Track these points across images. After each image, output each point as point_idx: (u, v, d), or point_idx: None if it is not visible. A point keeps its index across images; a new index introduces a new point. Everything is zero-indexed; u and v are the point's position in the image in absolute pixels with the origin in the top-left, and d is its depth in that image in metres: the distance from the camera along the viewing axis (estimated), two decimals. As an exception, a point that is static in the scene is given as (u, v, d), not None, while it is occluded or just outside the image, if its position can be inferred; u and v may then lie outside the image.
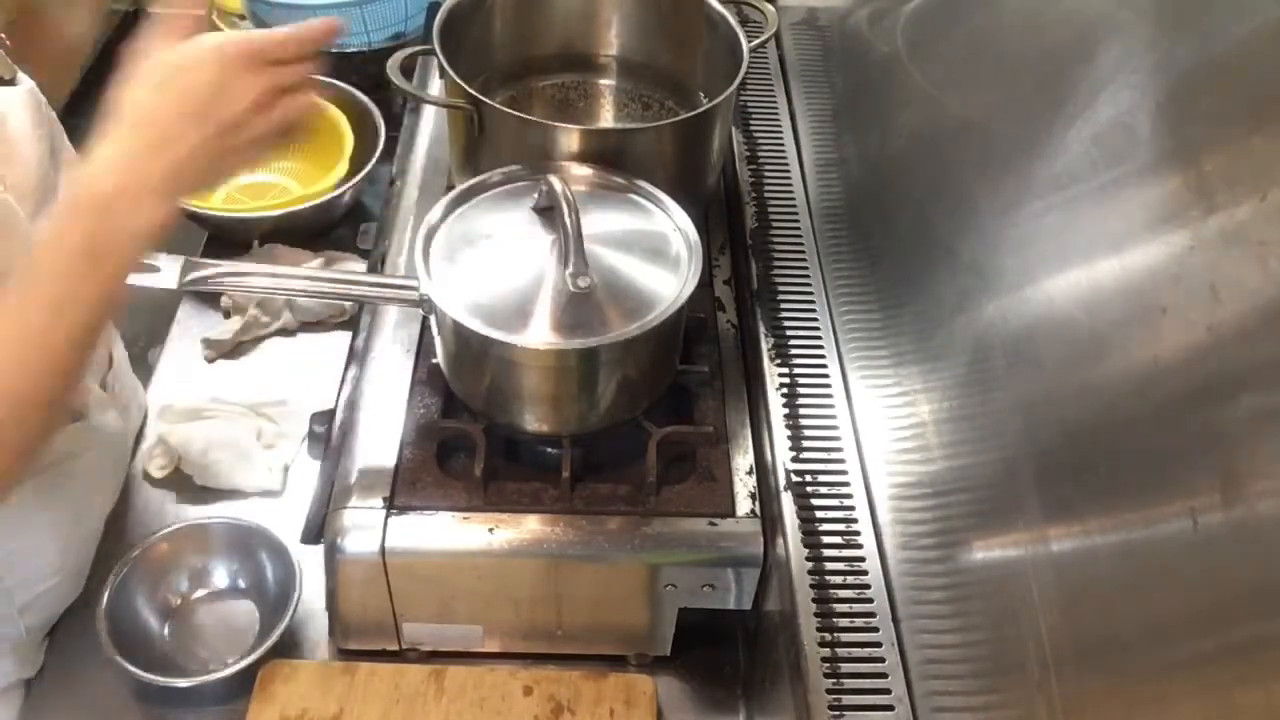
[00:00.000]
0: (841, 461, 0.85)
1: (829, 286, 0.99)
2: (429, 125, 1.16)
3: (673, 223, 0.88)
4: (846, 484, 0.84)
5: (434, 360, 0.90)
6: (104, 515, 0.96)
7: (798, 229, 1.06)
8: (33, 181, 0.79)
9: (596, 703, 0.85)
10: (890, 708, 0.71)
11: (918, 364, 0.80)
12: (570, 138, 0.92)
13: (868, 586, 0.77)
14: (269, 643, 0.85)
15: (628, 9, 1.10)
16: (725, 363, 0.96)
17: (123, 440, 0.99)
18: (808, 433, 0.87)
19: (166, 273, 0.76)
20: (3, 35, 0.83)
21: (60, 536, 0.87)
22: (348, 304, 1.16)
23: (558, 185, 0.81)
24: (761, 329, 0.95)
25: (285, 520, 0.98)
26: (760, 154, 1.14)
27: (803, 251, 1.03)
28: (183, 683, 0.86)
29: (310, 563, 0.87)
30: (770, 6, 1.08)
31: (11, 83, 0.81)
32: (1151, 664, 0.48)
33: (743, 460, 0.89)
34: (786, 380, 0.91)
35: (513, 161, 0.91)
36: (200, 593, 0.93)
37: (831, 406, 0.89)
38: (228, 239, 1.22)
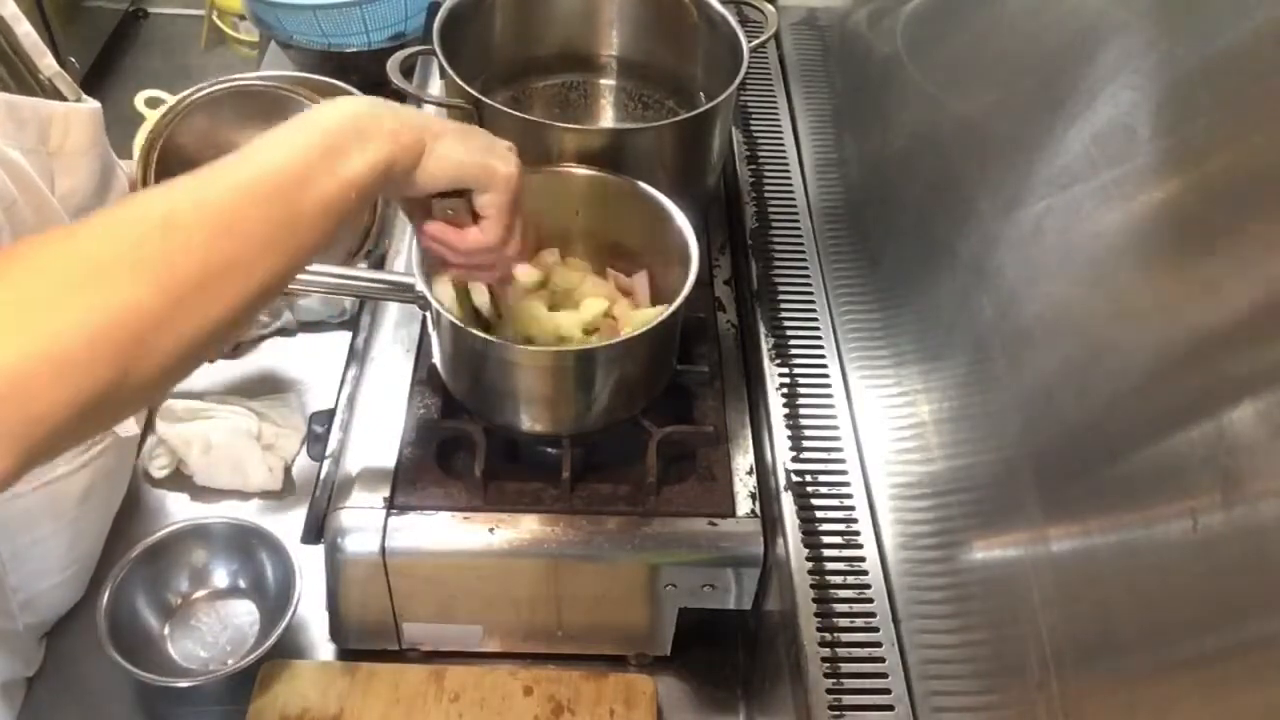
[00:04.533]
0: (841, 461, 0.85)
1: (829, 286, 0.99)
2: (429, 125, 1.16)
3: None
4: (846, 484, 0.84)
5: (434, 360, 0.90)
6: (110, 516, 0.96)
7: (798, 229, 1.06)
8: (82, 195, 0.82)
9: (596, 703, 0.85)
10: (890, 708, 0.71)
11: (918, 364, 0.80)
12: (570, 138, 0.92)
13: (868, 586, 0.77)
14: (269, 643, 0.85)
15: (628, 9, 1.10)
16: (725, 363, 0.96)
17: (130, 441, 0.99)
18: (808, 433, 0.87)
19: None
20: (72, 60, 0.87)
21: (66, 535, 0.87)
22: (348, 304, 1.16)
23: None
24: (761, 329, 0.95)
25: (285, 520, 0.98)
26: (760, 154, 1.14)
27: (803, 251, 1.03)
28: (183, 683, 0.86)
29: (310, 563, 0.87)
30: (770, 6, 1.08)
31: (77, 102, 0.84)
32: (1151, 664, 0.48)
33: (743, 460, 0.89)
34: (786, 380, 0.91)
35: (512, 161, 0.91)
36: (200, 593, 0.93)
37: (831, 406, 0.89)
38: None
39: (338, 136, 0.60)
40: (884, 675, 0.73)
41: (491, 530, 0.82)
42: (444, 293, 0.84)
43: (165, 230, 0.52)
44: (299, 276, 0.81)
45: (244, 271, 0.55)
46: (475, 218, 0.71)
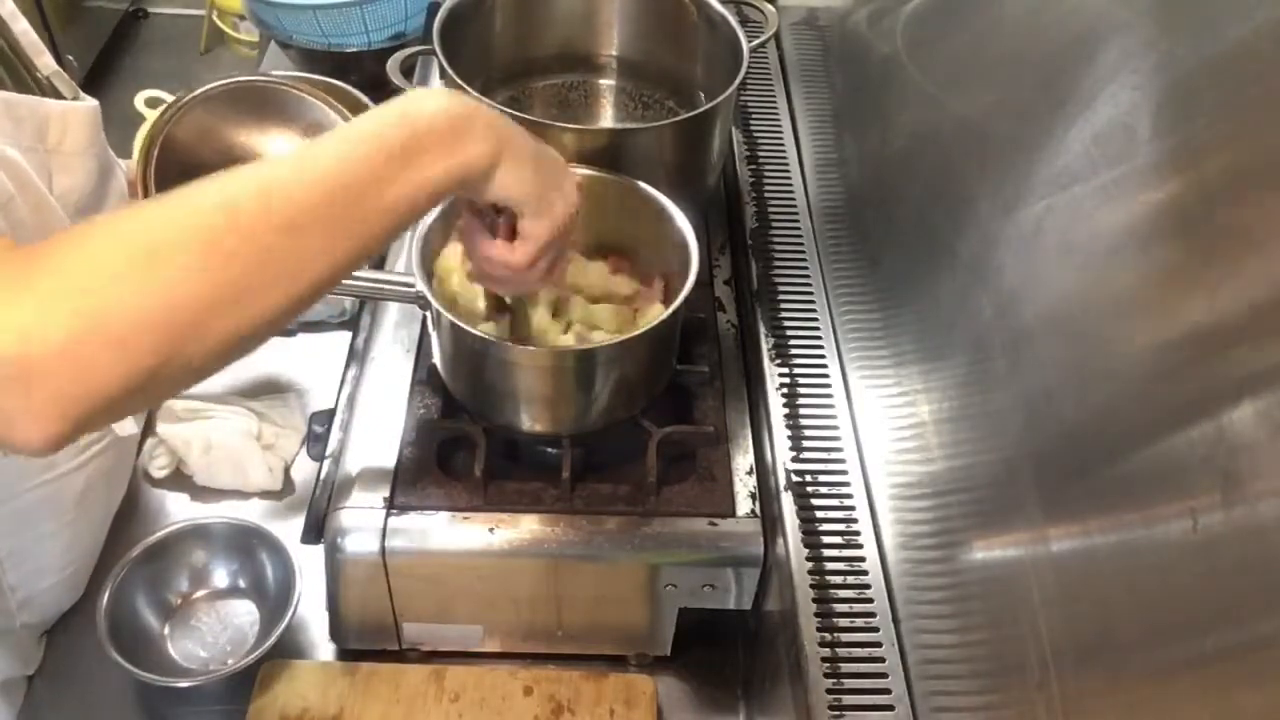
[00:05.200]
0: (841, 461, 0.85)
1: (829, 286, 0.99)
2: (429, 125, 1.16)
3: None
4: (846, 484, 0.84)
5: (434, 360, 0.90)
6: (110, 516, 0.97)
7: (798, 229, 1.06)
8: (80, 193, 0.82)
9: (596, 703, 0.85)
10: (890, 708, 0.71)
11: (918, 364, 0.80)
12: (570, 138, 0.92)
13: (868, 586, 0.77)
14: (269, 643, 0.85)
15: (628, 9, 1.10)
16: (725, 363, 0.96)
17: (130, 440, 0.99)
18: (808, 433, 0.87)
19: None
20: (70, 58, 0.86)
21: (65, 534, 0.88)
22: (348, 304, 1.16)
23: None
24: (761, 329, 0.95)
25: (285, 520, 0.98)
26: (760, 154, 1.14)
27: (803, 251, 1.03)
28: (183, 683, 0.86)
29: (310, 563, 0.87)
30: (770, 6, 1.08)
31: (75, 101, 0.84)
32: (1151, 664, 0.48)
33: (743, 460, 0.89)
34: (786, 380, 0.91)
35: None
36: (200, 593, 0.93)
37: (831, 406, 0.89)
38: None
39: (425, 137, 0.60)
40: (884, 675, 0.73)
41: (491, 530, 0.82)
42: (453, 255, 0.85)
43: (228, 221, 0.52)
44: None
45: (301, 269, 0.55)
46: (513, 234, 0.71)
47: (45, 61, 0.82)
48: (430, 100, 0.62)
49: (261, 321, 0.54)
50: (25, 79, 0.80)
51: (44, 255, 0.49)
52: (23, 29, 0.81)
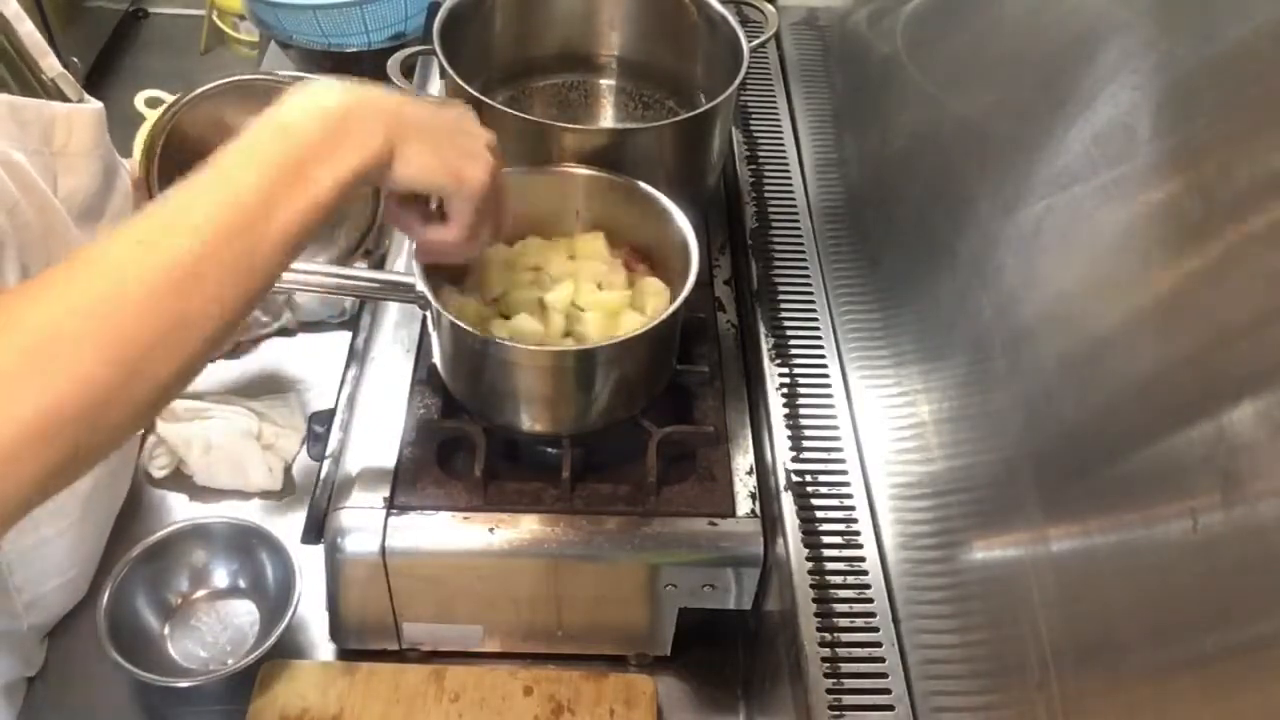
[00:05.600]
0: (841, 461, 0.85)
1: (829, 286, 0.99)
2: (429, 125, 1.16)
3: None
4: (846, 484, 0.84)
5: (434, 360, 0.90)
6: (112, 515, 0.97)
7: (798, 229, 1.06)
8: (84, 194, 0.82)
9: (596, 703, 0.85)
10: (890, 708, 0.71)
11: (918, 364, 0.80)
12: (570, 138, 0.92)
13: (868, 586, 0.77)
14: (269, 643, 0.85)
15: (628, 9, 1.10)
16: (725, 363, 0.96)
17: (131, 441, 0.99)
18: (808, 433, 0.87)
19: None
20: (75, 60, 0.86)
21: (69, 536, 0.87)
22: (348, 304, 1.16)
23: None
24: (761, 329, 0.95)
25: (285, 520, 0.98)
26: (760, 154, 1.14)
27: (803, 251, 1.03)
28: (183, 683, 0.86)
29: (310, 563, 0.87)
30: (770, 6, 1.08)
31: (79, 103, 0.84)
32: (1151, 664, 0.48)
33: (743, 460, 0.89)
34: (786, 380, 0.91)
35: (512, 161, 0.91)
36: (200, 593, 0.93)
37: (831, 406, 0.89)
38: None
39: (305, 150, 0.57)
40: (884, 675, 0.73)
41: (491, 530, 0.82)
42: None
43: (114, 297, 0.50)
44: (300, 277, 0.81)
45: (199, 325, 0.53)
46: (443, 214, 0.70)
47: (50, 63, 0.82)
48: (306, 101, 0.59)
49: (163, 389, 0.53)
50: (30, 81, 0.80)
51: None
52: (27, 30, 0.81)
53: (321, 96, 0.60)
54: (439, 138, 0.66)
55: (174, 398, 0.55)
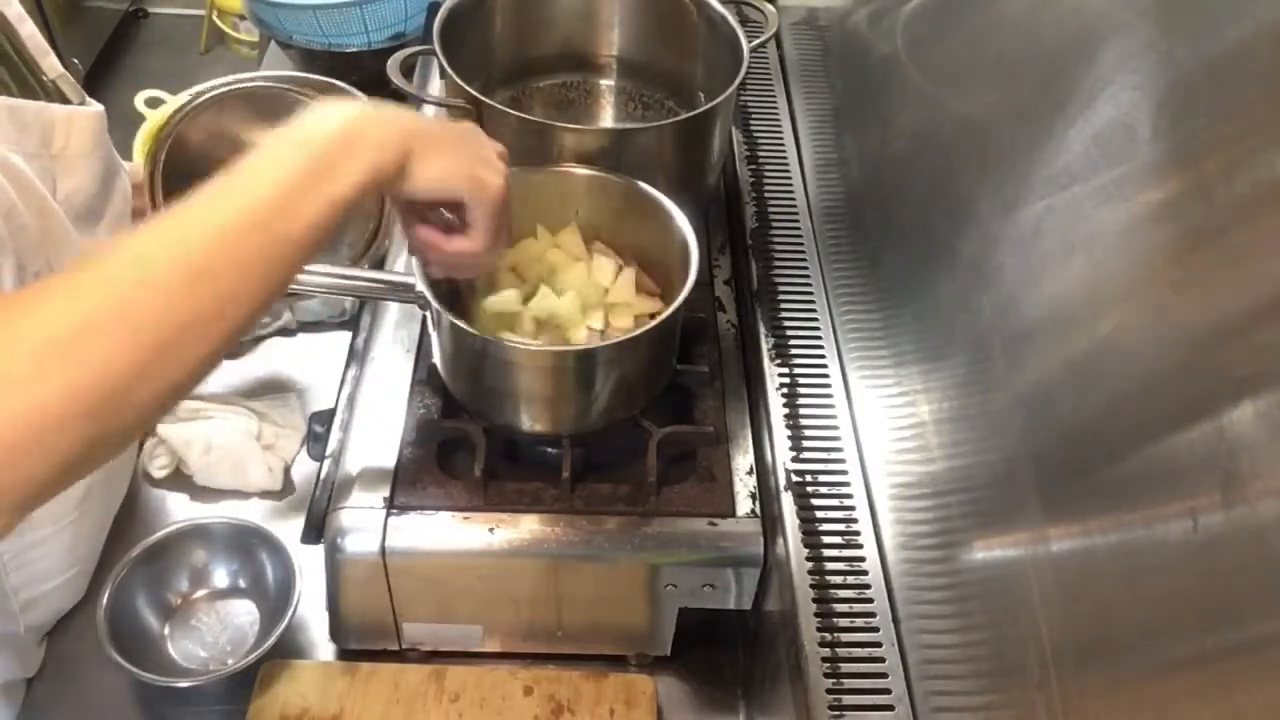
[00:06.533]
0: (841, 461, 0.85)
1: (829, 286, 0.99)
2: (429, 125, 1.16)
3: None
4: (846, 484, 0.84)
5: (434, 360, 0.90)
6: (110, 516, 0.97)
7: (798, 229, 1.06)
8: (84, 197, 0.82)
9: (596, 703, 0.85)
10: (890, 708, 0.71)
11: (918, 364, 0.80)
12: (570, 138, 0.92)
13: (868, 586, 0.77)
14: (269, 643, 0.85)
15: (628, 9, 1.10)
16: (725, 363, 0.96)
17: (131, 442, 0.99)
18: (808, 433, 0.87)
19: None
20: (75, 61, 0.86)
21: (67, 537, 0.87)
22: (348, 304, 1.16)
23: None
24: (761, 329, 0.95)
25: (285, 520, 0.98)
26: (760, 154, 1.14)
27: (803, 251, 1.03)
28: (183, 683, 0.86)
29: (310, 563, 0.87)
30: (770, 6, 1.08)
31: (80, 105, 0.84)
32: (1151, 664, 0.48)
33: (743, 460, 0.89)
34: (786, 380, 0.91)
35: (513, 161, 0.91)
36: (200, 593, 0.93)
37: (831, 406, 0.89)
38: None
39: (323, 158, 0.59)
40: (884, 675, 0.73)
41: (491, 530, 0.82)
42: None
43: (139, 287, 0.52)
44: (299, 278, 0.81)
45: (222, 315, 0.55)
46: (463, 223, 0.72)
47: (50, 64, 0.82)
48: (326, 117, 0.61)
49: (187, 377, 0.54)
50: (30, 83, 0.80)
51: None
52: (29, 32, 0.81)
53: (337, 110, 0.62)
54: (455, 146, 0.68)
55: (190, 391, 0.56)
